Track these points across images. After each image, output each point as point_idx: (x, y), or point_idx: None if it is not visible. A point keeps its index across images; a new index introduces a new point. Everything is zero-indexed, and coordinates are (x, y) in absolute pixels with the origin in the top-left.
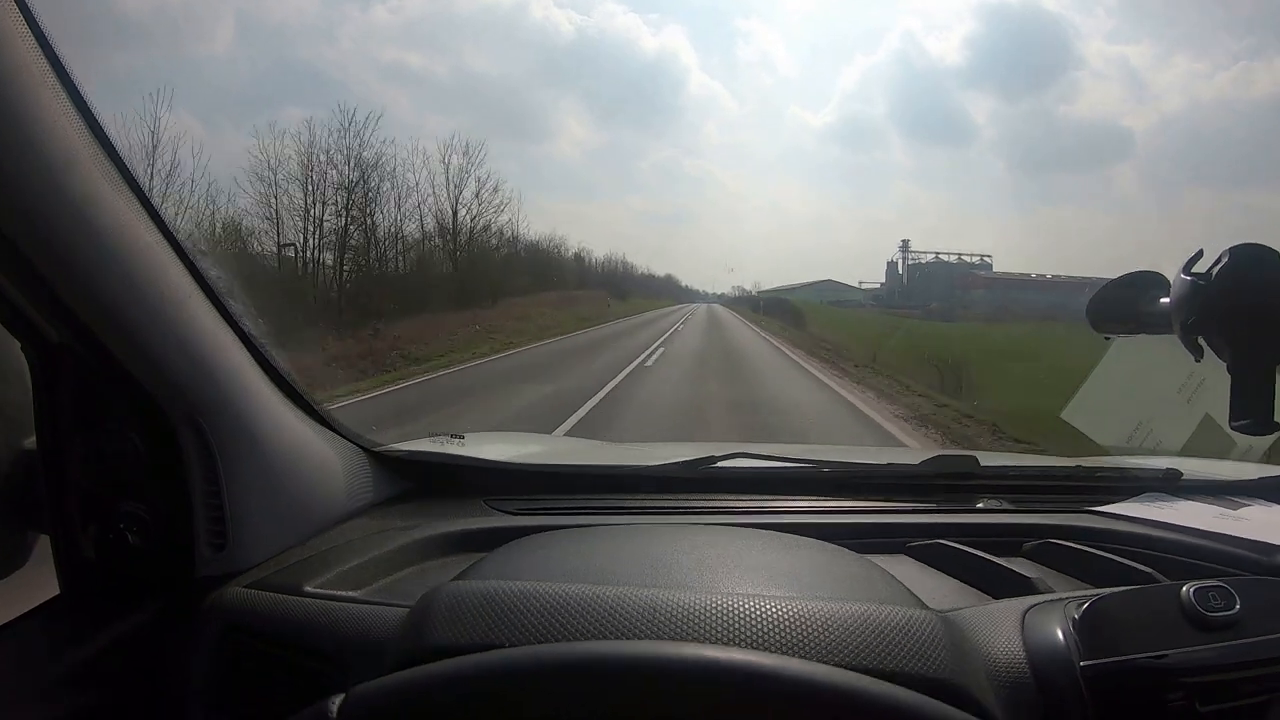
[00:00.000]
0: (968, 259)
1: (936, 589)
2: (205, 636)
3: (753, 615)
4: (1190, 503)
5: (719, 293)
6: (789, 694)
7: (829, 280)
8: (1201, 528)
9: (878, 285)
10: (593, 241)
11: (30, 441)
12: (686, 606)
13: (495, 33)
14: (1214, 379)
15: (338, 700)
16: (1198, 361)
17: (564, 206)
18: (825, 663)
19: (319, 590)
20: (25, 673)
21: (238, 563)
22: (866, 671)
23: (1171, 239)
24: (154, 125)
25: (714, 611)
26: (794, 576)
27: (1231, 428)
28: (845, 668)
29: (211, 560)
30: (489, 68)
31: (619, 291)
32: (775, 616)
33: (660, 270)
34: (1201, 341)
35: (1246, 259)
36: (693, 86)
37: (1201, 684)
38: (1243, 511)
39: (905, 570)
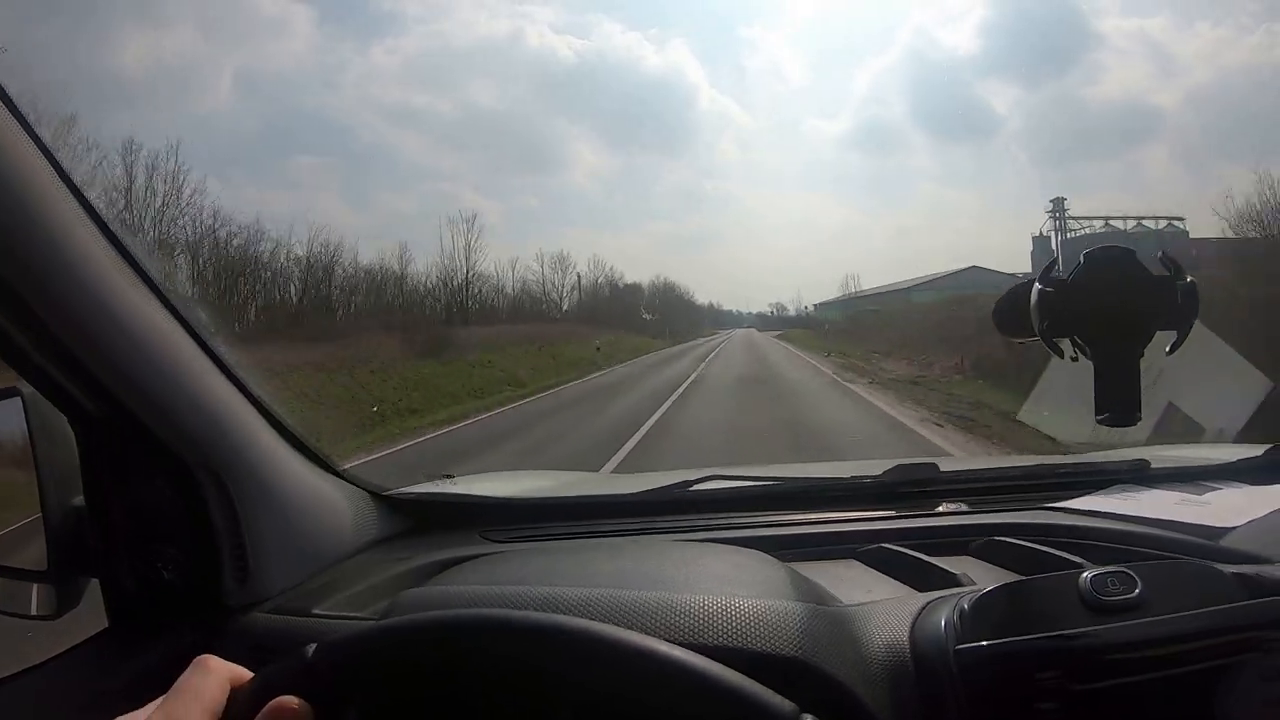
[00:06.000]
0: (1149, 224)
1: (870, 588)
2: (232, 655)
3: (641, 605)
4: (1156, 491)
5: (754, 312)
6: (612, 655)
7: (974, 267)
8: (1155, 516)
9: (1018, 275)
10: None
11: (79, 499)
12: (596, 599)
13: (494, 65)
14: (1173, 368)
15: (311, 647)
16: (1073, 361)
17: (586, 236)
18: (682, 641)
19: (326, 612)
20: (81, 691)
21: (258, 593)
22: (718, 649)
23: (1209, 222)
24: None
25: (616, 603)
26: (712, 579)
27: (1096, 422)
28: (697, 645)
29: (235, 591)
30: (494, 101)
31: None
32: (658, 606)
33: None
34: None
35: (1100, 263)
36: (703, 103)
37: (1079, 664)
38: (1208, 496)
39: (849, 574)
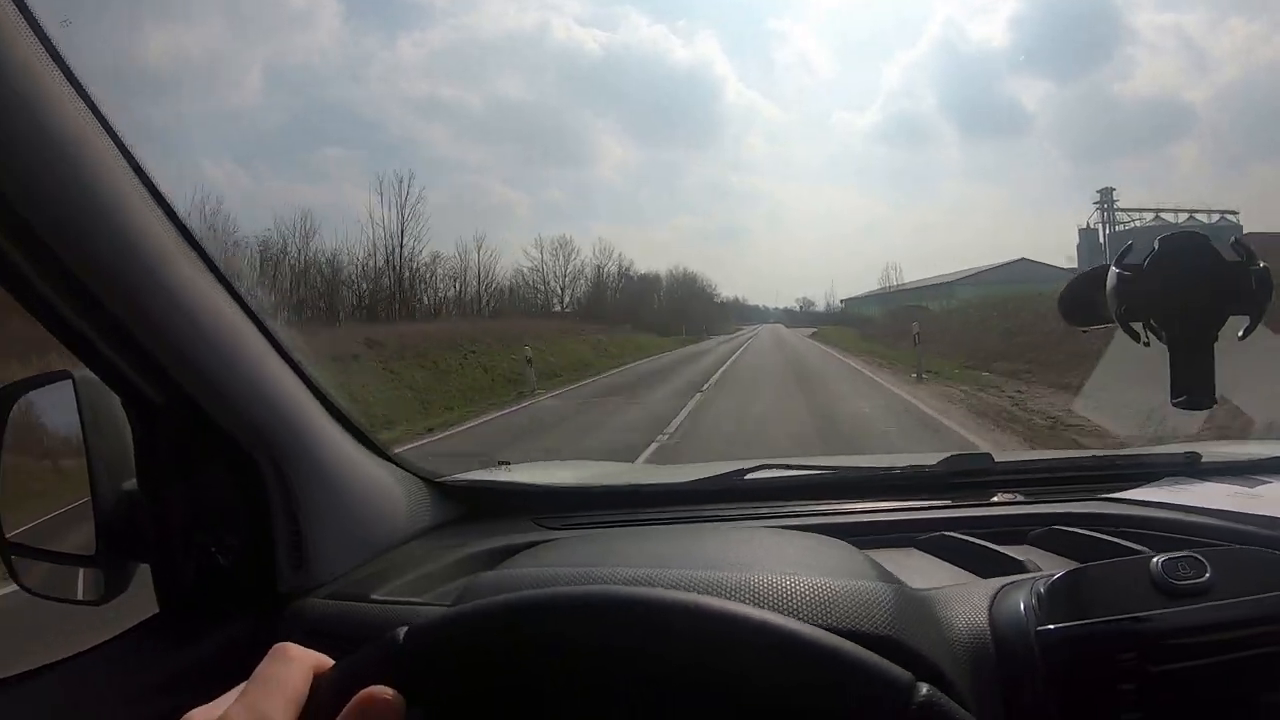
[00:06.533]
0: (1202, 217)
1: (933, 575)
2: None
3: (726, 586)
4: (1208, 484)
5: (781, 307)
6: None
7: (1023, 260)
8: (1212, 507)
9: (1066, 268)
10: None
11: (131, 483)
12: (683, 580)
13: (521, 57)
14: (1225, 362)
15: (403, 631)
16: (1145, 346)
17: (612, 230)
18: None
19: (384, 598)
20: (135, 676)
21: (314, 579)
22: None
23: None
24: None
25: (704, 584)
26: (792, 560)
27: (1172, 404)
28: None
29: (291, 577)
30: (522, 94)
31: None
32: (743, 586)
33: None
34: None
35: (1177, 246)
36: (730, 96)
37: (1156, 646)
38: (1260, 489)
39: (910, 561)
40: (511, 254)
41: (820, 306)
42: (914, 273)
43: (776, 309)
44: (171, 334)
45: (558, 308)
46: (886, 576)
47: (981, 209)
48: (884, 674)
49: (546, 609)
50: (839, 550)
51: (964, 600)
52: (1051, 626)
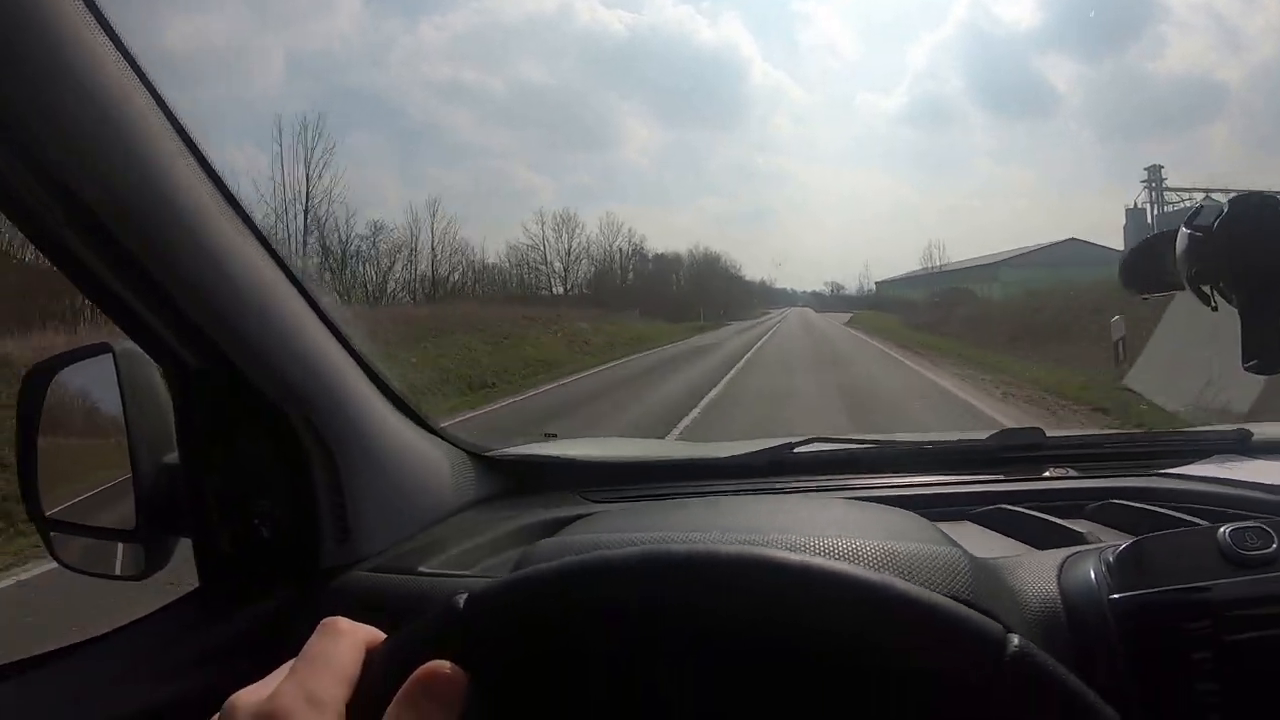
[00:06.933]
0: None
1: (992, 547)
2: (331, 614)
3: (788, 548)
4: (1260, 461)
5: (808, 290)
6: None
7: (1072, 240)
8: (1267, 483)
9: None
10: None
11: (171, 456)
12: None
13: (544, 40)
14: None
15: (463, 597)
16: (1214, 310)
17: (638, 212)
18: None
19: (433, 570)
20: (171, 653)
21: (358, 552)
22: None
23: None
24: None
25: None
26: (846, 526)
27: (1243, 368)
28: None
29: (335, 551)
30: (545, 77)
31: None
32: (819, 551)
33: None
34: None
35: (1246, 208)
36: (756, 77)
37: (1228, 615)
38: None
39: (967, 533)
40: (503, 229)
41: (851, 290)
42: (952, 254)
43: (804, 292)
44: (212, 295)
45: (560, 289)
46: (955, 544)
47: (1010, 190)
48: (975, 626)
49: (627, 568)
50: (904, 517)
51: (1030, 569)
52: (1124, 594)
